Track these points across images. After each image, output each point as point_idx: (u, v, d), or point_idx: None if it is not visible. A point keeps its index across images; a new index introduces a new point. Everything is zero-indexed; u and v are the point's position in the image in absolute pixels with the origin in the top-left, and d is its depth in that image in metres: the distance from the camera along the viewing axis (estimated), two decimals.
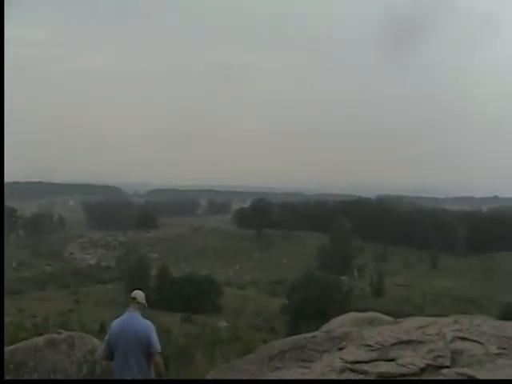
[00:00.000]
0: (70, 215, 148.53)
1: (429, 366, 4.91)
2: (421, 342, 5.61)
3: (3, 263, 48.42)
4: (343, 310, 21.26)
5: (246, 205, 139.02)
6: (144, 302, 5.65)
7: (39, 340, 7.17)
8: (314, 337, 6.99)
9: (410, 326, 6.48)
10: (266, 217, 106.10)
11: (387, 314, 11.75)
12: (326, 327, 9.44)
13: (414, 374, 4.82)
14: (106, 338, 5.44)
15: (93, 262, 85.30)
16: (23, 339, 8.08)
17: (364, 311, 11.66)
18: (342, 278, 61.24)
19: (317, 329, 10.31)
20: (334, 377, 5.07)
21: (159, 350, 5.28)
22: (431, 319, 6.83)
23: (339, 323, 9.07)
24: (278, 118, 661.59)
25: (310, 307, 36.95)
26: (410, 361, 5.06)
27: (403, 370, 4.86)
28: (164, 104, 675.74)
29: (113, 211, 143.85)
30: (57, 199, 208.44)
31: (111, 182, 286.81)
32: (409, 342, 5.70)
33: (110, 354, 5.35)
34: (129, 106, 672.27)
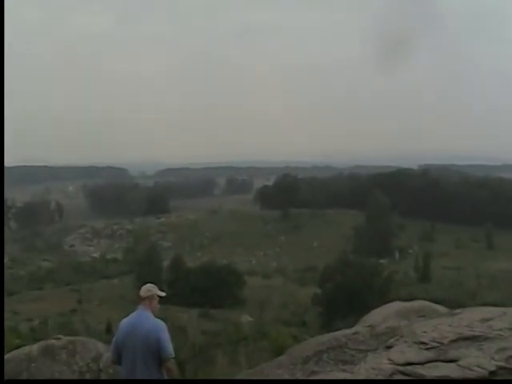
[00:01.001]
0: (70, 202, 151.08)
1: (500, 368, 4.52)
2: (488, 339, 5.23)
3: (3, 263, 50.56)
4: (384, 299, 21.05)
5: (270, 182, 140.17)
6: (151, 293, 5.53)
7: (34, 348, 6.91)
8: (355, 333, 6.72)
9: (471, 318, 6.07)
10: (293, 195, 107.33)
11: (436, 302, 11.56)
12: (366, 321, 9.20)
13: (481, 378, 4.44)
14: (114, 339, 5.35)
15: (96, 254, 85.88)
16: (18, 347, 7.87)
17: (409, 300, 11.27)
18: (382, 261, 61.64)
19: (354, 322, 10.18)
20: None
21: (172, 355, 5.12)
22: (498, 310, 6.45)
23: (382, 315, 8.81)
24: (304, 86, 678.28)
25: (346, 296, 37.34)
26: (476, 362, 4.67)
27: (468, 374, 4.46)
28: (177, 74, 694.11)
29: (118, 196, 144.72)
30: (54, 185, 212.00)
31: (116, 163, 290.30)
32: (473, 338, 5.33)
33: (118, 358, 5.23)
34: (137, 79, 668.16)
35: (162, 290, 5.96)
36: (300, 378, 5.79)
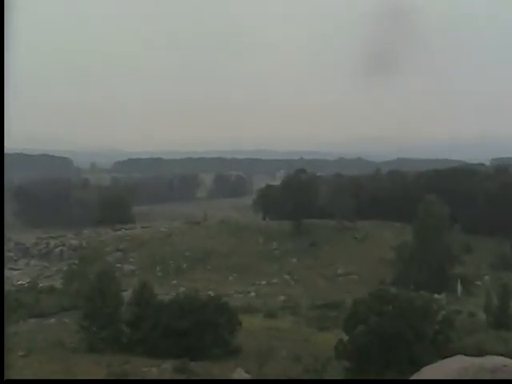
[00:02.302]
0: None
1: None
2: None
3: (3, 263, 64.46)
4: (441, 352, 20.87)
5: (276, 181, 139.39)
6: None
7: None
8: None
9: None
10: (309, 199, 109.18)
11: None
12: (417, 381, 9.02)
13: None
14: None
15: (24, 282, 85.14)
16: None
17: (478, 354, 10.98)
18: (437, 297, 61.70)
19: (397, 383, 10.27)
20: None
21: None
22: None
23: (438, 374, 8.50)
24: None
25: (384, 346, 37.24)
26: None
27: None
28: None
29: (58, 197, 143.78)
30: None
31: (54, 150, 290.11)
32: None
33: None
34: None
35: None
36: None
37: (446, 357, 10.96)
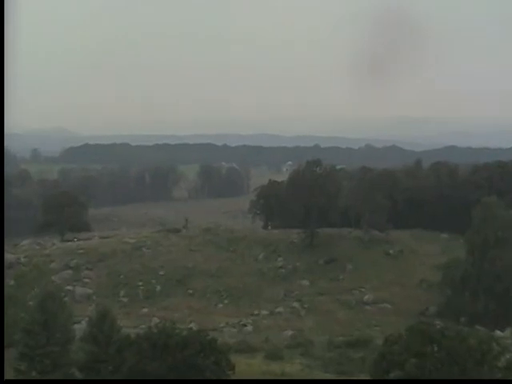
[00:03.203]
0: None
1: None
2: None
3: (3, 262, 76.60)
4: None
5: (282, 176, 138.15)
6: None
7: None
8: None
9: None
10: (326, 201, 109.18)
11: None
12: None
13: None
14: None
15: None
16: None
17: None
18: (500, 334, 63.04)
19: None
20: None
21: None
22: None
23: None
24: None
25: None
26: None
27: None
28: None
29: None
30: None
31: None
32: None
33: None
34: None
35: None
36: None
37: None
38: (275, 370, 57.21)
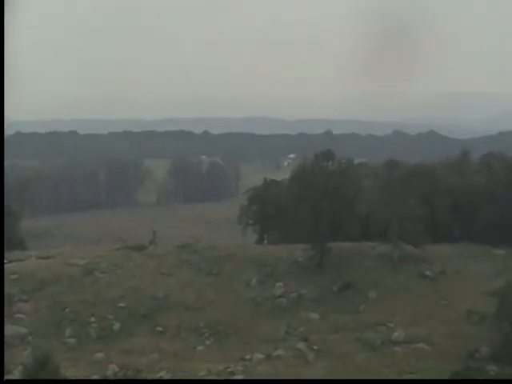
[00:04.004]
0: None
1: None
2: None
3: (3, 262, 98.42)
4: None
5: (284, 172, 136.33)
6: None
7: None
8: None
9: None
10: (341, 206, 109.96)
11: None
12: None
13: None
14: None
15: None
16: None
17: None
18: None
19: None
20: None
21: None
22: None
23: None
24: None
25: None
26: None
27: None
28: None
29: None
30: None
31: None
32: None
33: None
34: None
35: None
36: None
37: None
38: None
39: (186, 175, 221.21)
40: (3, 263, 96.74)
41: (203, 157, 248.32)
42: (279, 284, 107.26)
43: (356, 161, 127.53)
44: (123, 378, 51.08)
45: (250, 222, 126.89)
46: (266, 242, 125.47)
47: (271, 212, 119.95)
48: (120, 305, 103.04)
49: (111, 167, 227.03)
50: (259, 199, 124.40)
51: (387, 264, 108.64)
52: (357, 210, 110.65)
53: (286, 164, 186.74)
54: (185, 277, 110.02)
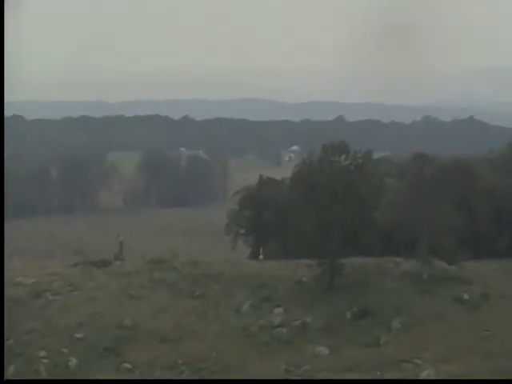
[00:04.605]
0: None
1: None
2: None
3: (3, 261, 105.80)
4: None
5: (283, 169, 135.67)
6: None
7: None
8: None
9: None
10: (357, 211, 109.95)
11: None
12: None
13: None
14: None
15: None
16: None
17: None
18: None
19: None
20: None
21: None
22: None
23: None
24: None
25: None
26: None
27: None
28: None
29: None
30: None
31: None
32: None
33: None
34: None
35: None
36: None
37: None
38: None
39: (161, 172, 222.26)
40: (3, 263, 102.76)
41: (182, 149, 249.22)
42: (278, 310, 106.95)
43: (376, 155, 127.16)
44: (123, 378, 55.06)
45: (242, 231, 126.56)
46: (261, 256, 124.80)
47: (268, 219, 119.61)
48: (77, 335, 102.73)
49: (66, 162, 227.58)
50: (253, 203, 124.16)
51: (415, 285, 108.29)
52: (376, 218, 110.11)
53: (286, 159, 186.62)
54: (159, 300, 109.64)
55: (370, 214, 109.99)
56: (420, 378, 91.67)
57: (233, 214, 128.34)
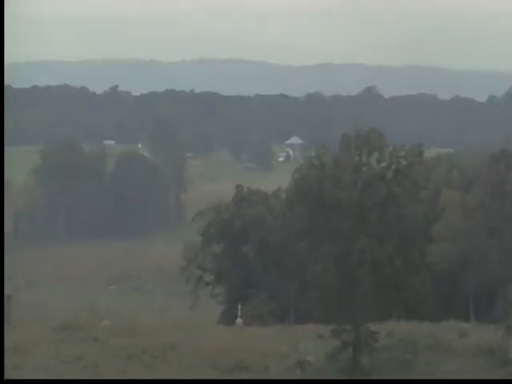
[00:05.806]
0: None
1: None
2: None
3: (3, 261, 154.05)
4: None
5: (275, 174, 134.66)
6: None
7: None
8: None
9: None
10: (395, 242, 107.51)
11: None
12: None
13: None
14: None
15: None
16: None
17: None
18: None
19: None
20: None
21: None
22: None
23: None
24: None
25: None
26: None
27: None
28: None
29: None
30: None
31: None
32: None
33: None
34: None
35: None
36: None
37: None
38: None
39: (72, 180, 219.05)
40: (3, 262, 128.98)
41: (108, 142, 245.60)
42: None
43: (429, 150, 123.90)
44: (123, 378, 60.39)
45: (207, 278, 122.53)
46: (239, 319, 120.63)
47: (251, 258, 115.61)
48: None
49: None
50: (226, 231, 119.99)
51: (494, 367, 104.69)
52: (430, 255, 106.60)
53: (280, 158, 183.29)
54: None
55: (420, 249, 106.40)
56: None
57: (193, 251, 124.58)
